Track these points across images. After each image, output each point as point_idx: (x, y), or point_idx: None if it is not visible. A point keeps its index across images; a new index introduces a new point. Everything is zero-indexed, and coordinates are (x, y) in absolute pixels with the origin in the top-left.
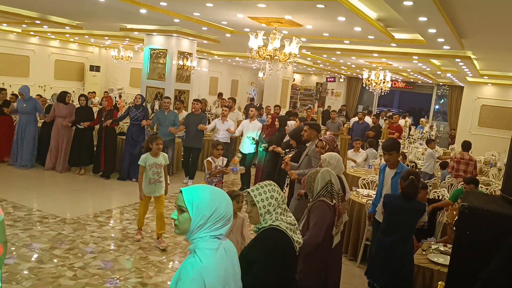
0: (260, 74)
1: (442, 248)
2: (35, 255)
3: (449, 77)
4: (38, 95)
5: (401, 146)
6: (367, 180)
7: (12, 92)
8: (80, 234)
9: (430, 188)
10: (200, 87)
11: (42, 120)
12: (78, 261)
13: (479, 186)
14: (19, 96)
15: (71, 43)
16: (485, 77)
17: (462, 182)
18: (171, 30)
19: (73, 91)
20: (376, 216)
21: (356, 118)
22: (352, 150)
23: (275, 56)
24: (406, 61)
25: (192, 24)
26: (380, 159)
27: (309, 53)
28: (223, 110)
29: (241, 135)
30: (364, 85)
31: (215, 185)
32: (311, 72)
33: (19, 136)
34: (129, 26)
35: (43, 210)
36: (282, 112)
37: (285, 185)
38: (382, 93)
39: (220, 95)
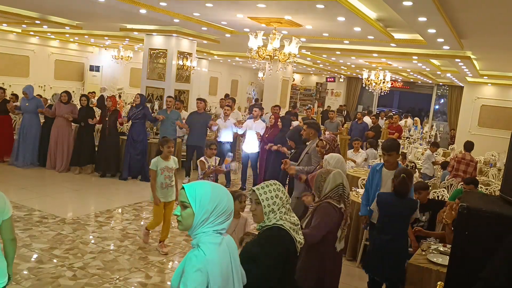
0: (260, 74)
1: (441, 248)
2: (35, 255)
3: (449, 77)
4: (38, 95)
5: (401, 146)
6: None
7: (12, 92)
8: (80, 234)
9: (430, 188)
10: (200, 87)
11: (43, 116)
12: (78, 261)
13: (478, 186)
14: (23, 95)
15: (71, 43)
16: (484, 77)
17: (462, 183)
18: (171, 30)
19: (73, 91)
20: (372, 218)
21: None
22: (352, 150)
23: (275, 56)
24: (405, 61)
25: (192, 24)
26: (380, 159)
27: (308, 53)
28: (225, 110)
29: (242, 135)
30: (364, 85)
31: None
32: (311, 72)
33: (22, 136)
34: (129, 26)
35: (43, 210)
36: (282, 112)
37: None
38: (382, 93)
39: (226, 96)
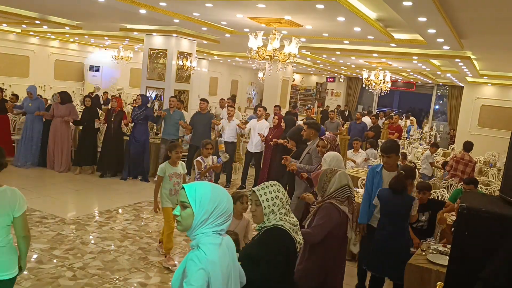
0: (260, 74)
1: (441, 249)
2: (35, 255)
3: (449, 77)
4: (38, 95)
5: (401, 146)
6: None
7: (13, 92)
8: (79, 234)
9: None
10: (200, 87)
11: (41, 116)
12: (78, 262)
13: (478, 187)
14: (27, 95)
15: (71, 43)
16: (484, 77)
17: (462, 183)
18: (171, 30)
19: (73, 91)
20: (371, 222)
21: None
22: (352, 150)
23: (275, 56)
24: (405, 61)
25: (191, 24)
26: (380, 159)
27: (308, 53)
28: (229, 110)
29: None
30: (364, 85)
31: None
32: (311, 72)
33: (24, 136)
34: (129, 26)
35: (43, 210)
36: (282, 113)
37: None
38: (382, 93)
39: (233, 97)
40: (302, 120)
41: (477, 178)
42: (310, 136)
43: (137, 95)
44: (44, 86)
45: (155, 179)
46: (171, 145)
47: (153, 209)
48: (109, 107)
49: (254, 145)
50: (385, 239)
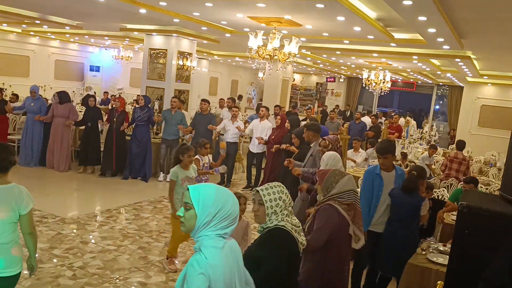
0: (260, 74)
1: (441, 248)
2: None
3: (449, 77)
4: (39, 95)
5: (401, 146)
6: None
7: (13, 92)
8: (79, 233)
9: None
10: (200, 87)
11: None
12: (78, 261)
13: (478, 186)
14: (30, 95)
15: (71, 43)
16: (485, 77)
17: (462, 182)
18: (171, 30)
19: (73, 91)
20: (372, 227)
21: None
22: (352, 150)
23: (275, 55)
24: (406, 61)
25: (192, 24)
26: None
27: (309, 53)
28: (233, 111)
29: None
30: (364, 85)
31: None
32: (311, 72)
33: (25, 135)
34: (129, 26)
35: (43, 209)
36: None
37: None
38: (382, 93)
39: (240, 97)
40: (302, 120)
41: (478, 177)
42: (310, 138)
43: (137, 95)
44: (44, 86)
45: (159, 179)
46: (183, 148)
47: (172, 215)
48: (110, 107)
49: (256, 145)
50: (396, 238)
